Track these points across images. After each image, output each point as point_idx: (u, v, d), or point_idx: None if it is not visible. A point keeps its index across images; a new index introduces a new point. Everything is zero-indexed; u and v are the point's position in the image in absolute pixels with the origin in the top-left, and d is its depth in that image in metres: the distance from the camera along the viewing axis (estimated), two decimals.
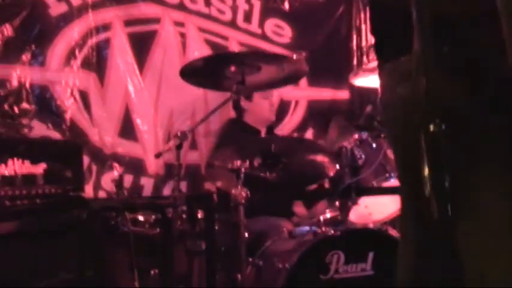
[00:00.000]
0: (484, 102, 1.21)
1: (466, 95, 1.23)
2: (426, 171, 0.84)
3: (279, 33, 5.21)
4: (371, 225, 3.05)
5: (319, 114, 5.26)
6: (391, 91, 1.40)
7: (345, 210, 3.24)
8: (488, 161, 1.18)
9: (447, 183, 0.83)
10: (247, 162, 2.94)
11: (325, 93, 5.32)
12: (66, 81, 4.42)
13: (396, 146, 1.46)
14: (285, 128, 5.13)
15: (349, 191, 3.16)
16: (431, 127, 0.83)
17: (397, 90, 1.36)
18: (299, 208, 4.08)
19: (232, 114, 4.46)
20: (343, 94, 5.36)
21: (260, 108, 4.29)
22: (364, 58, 5.28)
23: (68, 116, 4.39)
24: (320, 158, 3.40)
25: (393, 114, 1.40)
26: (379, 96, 1.48)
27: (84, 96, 4.48)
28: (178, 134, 3.03)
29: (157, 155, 3.07)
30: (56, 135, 4.30)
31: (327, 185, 3.80)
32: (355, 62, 5.42)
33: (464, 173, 1.12)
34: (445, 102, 0.82)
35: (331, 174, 3.43)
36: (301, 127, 5.23)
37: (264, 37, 5.14)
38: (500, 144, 1.18)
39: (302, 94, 5.29)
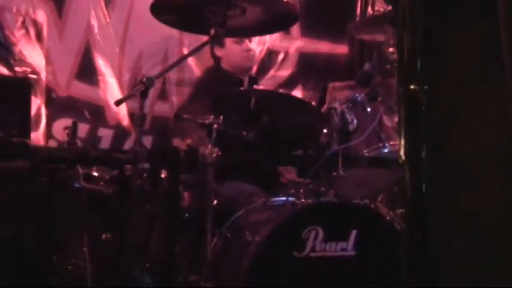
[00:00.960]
0: None
1: None
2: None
3: None
4: (357, 200, 3.10)
5: (311, 70, 5.29)
6: None
7: (329, 181, 3.28)
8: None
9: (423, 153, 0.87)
10: (221, 118, 2.97)
11: (321, 46, 5.34)
12: (17, 8, 4.39)
13: None
14: (270, 82, 5.15)
15: (336, 159, 3.19)
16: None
17: None
18: (290, 175, 4.12)
19: (205, 63, 4.49)
20: (342, 48, 5.38)
21: (232, 55, 4.30)
22: (369, 8, 5.28)
23: (17, 49, 4.38)
24: (308, 119, 3.44)
25: None
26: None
27: (38, 28, 4.46)
28: (144, 79, 3.04)
29: (118, 102, 3.08)
30: (1, 70, 4.30)
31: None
32: (358, 11, 5.43)
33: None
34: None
35: (322, 138, 3.47)
36: (289, 83, 5.25)
37: None
38: None
39: (293, 44, 5.30)
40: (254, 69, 4.60)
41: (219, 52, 4.25)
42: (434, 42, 1.12)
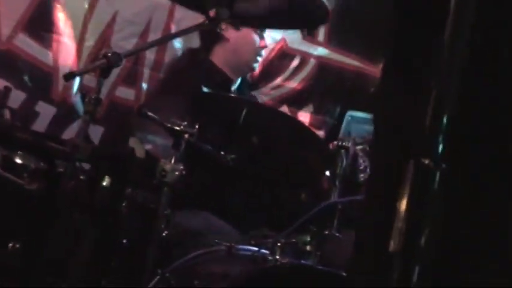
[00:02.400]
0: None
1: None
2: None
3: None
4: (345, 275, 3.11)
5: (329, 87, 5.32)
6: None
7: (318, 239, 3.30)
8: None
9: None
10: (197, 127, 2.99)
11: (350, 61, 5.37)
12: None
13: None
14: (273, 93, 5.20)
15: (333, 214, 3.22)
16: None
17: None
18: None
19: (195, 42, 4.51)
20: (374, 69, 5.42)
21: (247, 44, 4.37)
22: None
23: None
24: (309, 154, 3.47)
25: None
26: None
27: None
28: (109, 53, 3.06)
29: (68, 76, 3.10)
30: None
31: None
32: None
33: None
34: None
35: (323, 184, 3.50)
36: (298, 99, 5.28)
37: None
38: None
39: (315, 51, 5.33)
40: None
41: (228, 33, 4.27)
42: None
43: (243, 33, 4.33)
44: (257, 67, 4.55)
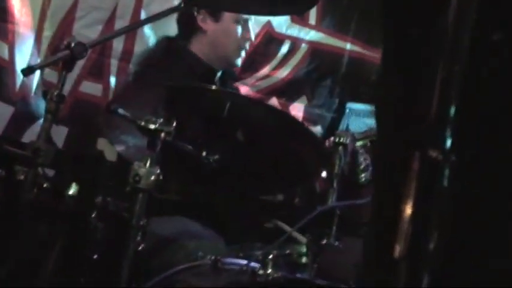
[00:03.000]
0: None
1: None
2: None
3: None
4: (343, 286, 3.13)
5: (324, 76, 5.34)
6: None
7: (315, 250, 3.32)
8: None
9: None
10: (174, 124, 3.00)
11: (346, 45, 5.39)
12: None
13: None
14: (260, 84, 5.24)
15: (331, 219, 3.23)
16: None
17: None
18: None
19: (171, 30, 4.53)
20: (375, 54, 5.43)
21: (227, 37, 4.40)
22: None
23: None
24: (303, 152, 3.48)
25: None
26: None
27: None
28: (72, 43, 3.07)
29: (26, 71, 3.11)
30: None
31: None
32: None
33: None
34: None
35: (318, 185, 3.51)
36: (290, 90, 5.31)
37: None
38: None
39: (306, 34, 5.34)
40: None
41: (206, 25, 4.33)
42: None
43: (223, 25, 4.37)
44: (240, 62, 4.55)
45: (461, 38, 0.97)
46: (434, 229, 0.93)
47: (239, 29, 4.42)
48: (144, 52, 4.74)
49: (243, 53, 4.53)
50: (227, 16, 4.38)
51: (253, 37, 4.57)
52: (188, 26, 4.45)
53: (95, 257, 3.36)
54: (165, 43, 4.58)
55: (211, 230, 3.93)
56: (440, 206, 0.93)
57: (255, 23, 4.77)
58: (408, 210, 0.93)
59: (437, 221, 0.93)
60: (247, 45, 4.48)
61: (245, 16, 4.43)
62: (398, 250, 0.93)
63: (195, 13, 4.41)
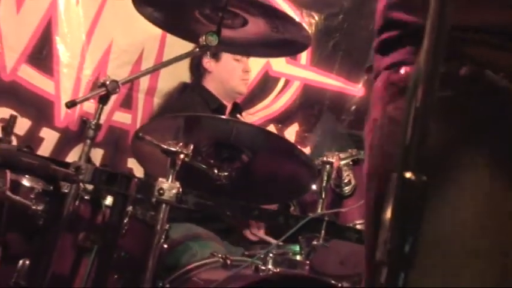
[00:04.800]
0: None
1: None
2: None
3: None
4: (336, 281, 3.11)
5: (314, 107, 5.34)
6: (381, 108, 1.50)
7: (307, 250, 3.31)
8: None
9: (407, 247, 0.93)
10: (191, 147, 2.99)
11: (331, 82, 5.39)
12: None
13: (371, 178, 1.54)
14: (261, 114, 5.24)
15: (320, 224, 3.22)
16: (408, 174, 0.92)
17: (387, 109, 1.47)
18: (258, 230, 4.16)
19: (185, 76, 4.54)
20: (357, 90, 5.44)
21: (229, 73, 4.42)
22: None
23: None
24: (296, 169, 3.47)
25: (379, 136, 1.50)
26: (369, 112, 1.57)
27: None
28: (108, 81, 3.07)
29: (70, 104, 3.10)
30: None
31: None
32: None
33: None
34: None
35: (308, 197, 3.50)
36: (285, 118, 5.31)
37: None
38: None
39: (299, 73, 5.35)
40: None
41: (210, 66, 4.36)
42: None
43: (223, 63, 4.40)
44: (245, 91, 4.57)
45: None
46: (409, 235, 0.93)
47: (238, 64, 4.45)
48: (168, 91, 4.75)
49: (246, 82, 4.55)
50: (226, 55, 4.41)
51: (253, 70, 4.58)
52: (198, 69, 4.49)
53: (124, 254, 3.35)
54: (183, 84, 4.60)
55: (213, 234, 3.95)
56: (415, 216, 0.94)
57: (256, 63, 4.79)
58: (387, 219, 0.93)
59: (413, 229, 0.93)
60: (247, 76, 4.50)
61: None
62: (379, 253, 0.93)
63: (202, 58, 4.46)
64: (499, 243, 1.36)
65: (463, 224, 1.35)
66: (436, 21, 0.96)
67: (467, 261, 1.34)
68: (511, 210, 1.37)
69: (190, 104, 4.22)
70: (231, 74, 4.46)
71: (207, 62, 4.47)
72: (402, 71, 1.48)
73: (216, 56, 4.45)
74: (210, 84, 4.44)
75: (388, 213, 0.93)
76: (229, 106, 4.48)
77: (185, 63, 4.65)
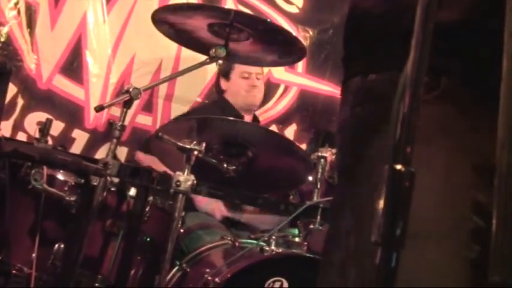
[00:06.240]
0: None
1: None
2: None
3: None
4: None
5: (309, 110, 5.33)
6: (350, 111, 1.47)
7: (305, 232, 3.30)
8: None
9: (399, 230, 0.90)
10: (203, 145, 2.98)
11: (324, 87, 5.38)
12: None
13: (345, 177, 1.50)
14: (265, 115, 5.22)
15: (315, 211, 3.21)
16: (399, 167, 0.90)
17: (356, 111, 1.45)
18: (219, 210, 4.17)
19: (198, 83, 4.56)
20: None
21: (237, 89, 4.45)
22: None
23: (4, 30, 4.39)
24: (295, 163, 3.46)
25: (348, 138, 1.48)
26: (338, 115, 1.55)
27: (30, 12, 4.48)
28: (131, 89, 3.06)
29: (98, 108, 3.09)
30: None
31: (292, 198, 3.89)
32: None
33: None
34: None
35: (305, 187, 3.49)
36: (284, 119, 5.30)
37: None
38: None
39: (296, 80, 5.34)
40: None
41: (224, 85, 4.43)
42: None
43: (232, 81, 4.45)
44: (255, 102, 4.57)
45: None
46: (399, 219, 0.90)
47: (244, 81, 4.46)
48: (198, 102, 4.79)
49: (257, 95, 4.55)
50: (234, 74, 4.50)
51: (259, 84, 4.58)
52: (218, 87, 4.53)
53: (147, 239, 3.34)
54: (210, 96, 4.66)
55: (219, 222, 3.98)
56: (404, 203, 0.92)
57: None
58: (380, 206, 0.91)
59: (403, 214, 0.91)
60: (254, 90, 4.50)
61: (248, 70, 4.47)
62: (373, 237, 0.91)
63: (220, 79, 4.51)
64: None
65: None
66: (421, 36, 0.94)
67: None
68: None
69: (210, 112, 4.23)
70: (240, 90, 4.49)
71: (222, 82, 4.53)
72: (369, 77, 1.45)
73: (226, 77, 4.51)
74: (230, 98, 4.50)
75: (381, 201, 0.91)
76: (249, 117, 4.49)
77: (198, 72, 4.61)
